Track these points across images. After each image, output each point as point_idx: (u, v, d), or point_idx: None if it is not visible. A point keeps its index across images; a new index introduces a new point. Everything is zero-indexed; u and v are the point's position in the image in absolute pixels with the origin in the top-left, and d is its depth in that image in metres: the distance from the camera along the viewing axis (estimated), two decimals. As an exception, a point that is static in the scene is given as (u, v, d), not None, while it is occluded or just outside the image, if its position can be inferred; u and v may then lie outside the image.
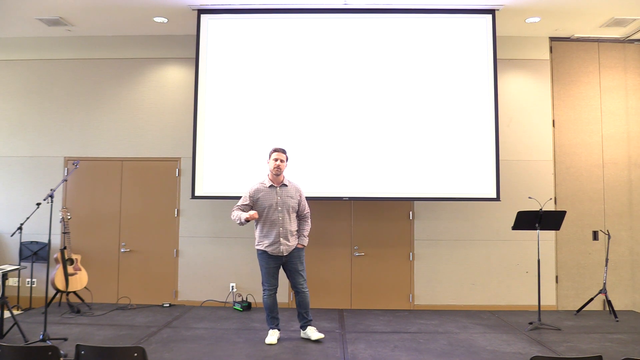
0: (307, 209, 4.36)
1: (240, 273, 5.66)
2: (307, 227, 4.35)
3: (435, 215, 5.66)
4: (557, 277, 5.65)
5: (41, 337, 3.82)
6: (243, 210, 4.17)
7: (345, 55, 5.36)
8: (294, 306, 4.73)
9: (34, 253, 5.58)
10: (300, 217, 4.33)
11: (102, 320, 4.80)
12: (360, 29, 5.38)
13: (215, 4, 5.27)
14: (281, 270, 4.27)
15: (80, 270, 5.36)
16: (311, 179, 5.20)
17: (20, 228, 4.63)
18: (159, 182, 5.81)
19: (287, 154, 4.27)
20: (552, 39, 5.85)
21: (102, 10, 5.20)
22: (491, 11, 5.28)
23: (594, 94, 5.84)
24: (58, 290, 5.18)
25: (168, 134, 5.83)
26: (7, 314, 4.12)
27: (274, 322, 4.20)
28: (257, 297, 5.52)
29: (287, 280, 4.48)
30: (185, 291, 5.70)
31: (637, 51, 5.89)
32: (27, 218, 4.51)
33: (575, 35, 5.81)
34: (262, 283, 4.21)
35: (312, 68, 5.37)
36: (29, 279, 5.67)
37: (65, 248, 5.23)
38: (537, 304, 4.80)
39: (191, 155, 5.43)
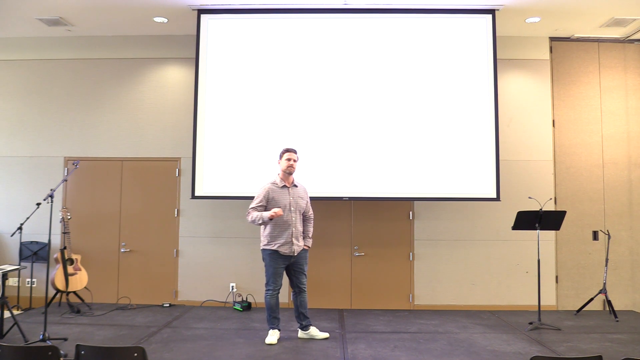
0: (311, 210, 4.41)
1: (240, 273, 5.66)
2: (311, 228, 4.40)
3: (435, 215, 5.66)
4: (557, 277, 5.65)
5: (41, 337, 3.81)
6: (261, 211, 4.18)
7: (345, 56, 5.36)
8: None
9: (34, 253, 5.58)
10: (304, 218, 4.35)
11: (102, 320, 4.80)
12: (360, 29, 5.38)
13: (215, 4, 5.27)
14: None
15: (80, 270, 5.36)
16: (311, 179, 5.19)
17: (20, 228, 4.63)
18: (159, 182, 5.81)
19: (297, 154, 4.31)
20: (552, 39, 5.85)
21: (102, 10, 5.20)
22: (491, 11, 5.29)
23: (594, 94, 5.84)
24: (58, 290, 5.18)
25: (168, 134, 5.83)
26: (7, 314, 4.12)
27: (274, 322, 4.20)
28: (257, 297, 5.52)
29: (286, 280, 4.47)
30: (185, 291, 5.70)
31: (637, 51, 5.88)
32: (27, 218, 4.51)
33: (575, 35, 5.81)
34: (267, 283, 4.21)
35: (312, 68, 5.37)
36: (29, 279, 5.67)
37: (65, 248, 5.23)
38: (537, 304, 4.80)
39: (191, 155, 5.43)
